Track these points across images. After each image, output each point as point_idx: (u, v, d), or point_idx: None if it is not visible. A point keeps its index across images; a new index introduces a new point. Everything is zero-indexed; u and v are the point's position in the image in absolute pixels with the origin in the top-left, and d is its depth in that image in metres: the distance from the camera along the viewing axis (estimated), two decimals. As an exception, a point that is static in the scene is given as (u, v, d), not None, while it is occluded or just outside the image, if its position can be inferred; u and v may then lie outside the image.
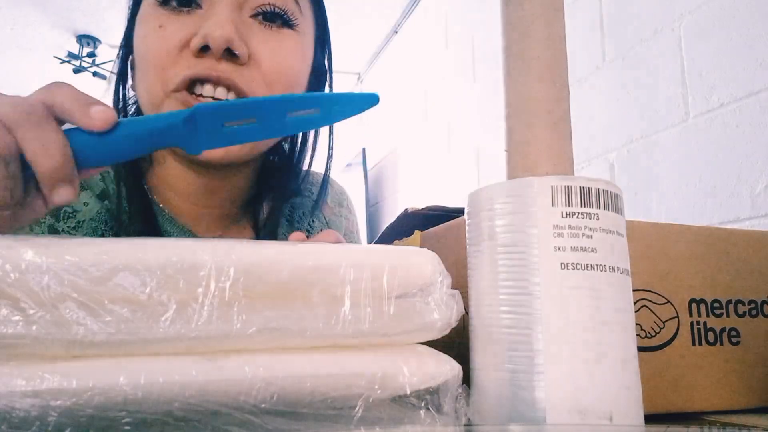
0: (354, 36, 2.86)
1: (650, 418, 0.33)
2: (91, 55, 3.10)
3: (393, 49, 2.85)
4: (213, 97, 0.47)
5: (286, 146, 0.62)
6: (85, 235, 0.52)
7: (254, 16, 0.50)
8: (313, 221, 0.68)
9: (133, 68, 0.54)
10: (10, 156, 0.28)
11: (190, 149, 0.33)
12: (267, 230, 0.59)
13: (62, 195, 0.29)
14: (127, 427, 0.24)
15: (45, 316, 0.24)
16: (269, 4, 0.50)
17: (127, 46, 0.56)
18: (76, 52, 3.11)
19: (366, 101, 0.36)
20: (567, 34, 0.34)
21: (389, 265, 0.30)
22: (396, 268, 0.30)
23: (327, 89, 0.62)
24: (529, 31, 0.33)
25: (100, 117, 0.29)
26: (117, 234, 0.53)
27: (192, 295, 0.26)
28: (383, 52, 2.95)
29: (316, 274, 0.28)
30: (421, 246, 0.44)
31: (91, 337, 0.24)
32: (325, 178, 0.66)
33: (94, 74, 3.18)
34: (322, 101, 0.36)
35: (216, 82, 0.47)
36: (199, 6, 0.49)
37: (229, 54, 0.47)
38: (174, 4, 0.49)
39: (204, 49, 0.46)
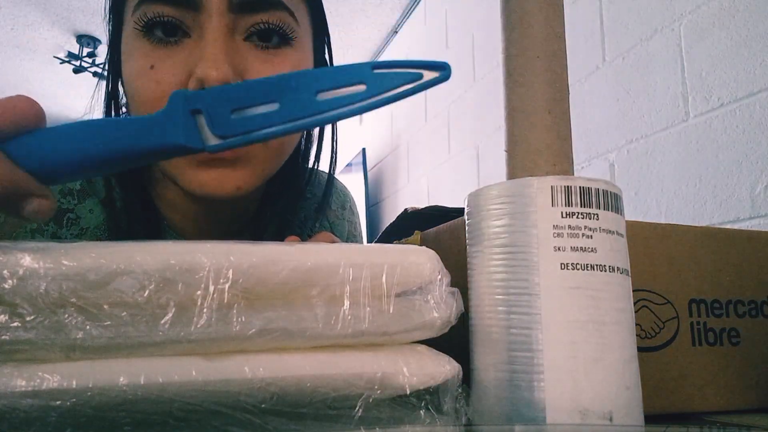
0: (354, 36, 2.86)
1: (650, 418, 0.33)
2: (91, 55, 3.10)
3: (393, 49, 2.84)
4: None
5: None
6: None
7: (248, 37, 0.46)
8: (315, 225, 0.66)
9: (124, 88, 0.51)
10: None
11: (191, 146, 0.26)
12: (272, 239, 0.58)
13: (31, 210, 0.27)
14: (127, 427, 0.24)
15: (43, 322, 0.24)
16: (263, 22, 0.46)
17: (113, 68, 0.52)
18: (76, 52, 3.11)
19: (433, 71, 0.26)
20: (567, 34, 0.34)
21: (388, 264, 0.30)
22: (395, 267, 0.30)
23: None
24: (529, 31, 0.33)
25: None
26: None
27: (191, 297, 0.26)
28: (383, 52, 2.95)
29: (315, 274, 0.28)
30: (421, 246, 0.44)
31: (91, 342, 0.24)
32: (330, 181, 0.64)
33: (94, 74, 3.18)
34: (367, 74, 0.26)
35: None
36: (187, 35, 0.45)
37: None
38: (159, 35, 0.45)
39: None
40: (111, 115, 0.54)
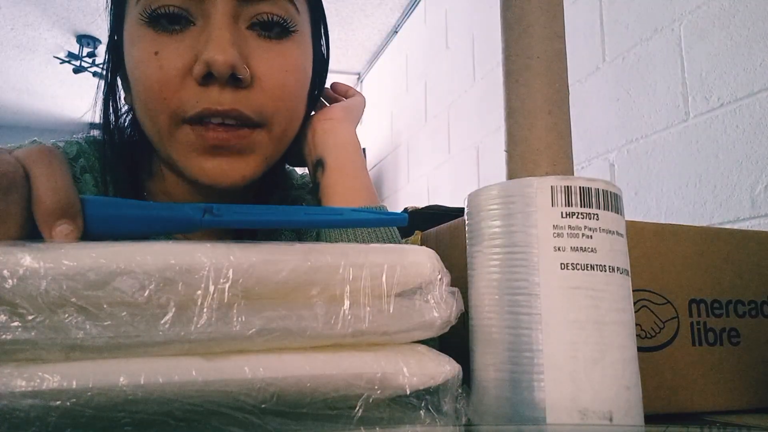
0: (354, 36, 2.86)
1: (650, 418, 0.33)
2: (91, 55, 3.10)
3: (393, 49, 2.85)
4: (222, 122, 0.45)
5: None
6: None
7: (251, 26, 0.47)
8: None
9: (124, 81, 0.52)
10: (15, 181, 0.28)
11: (192, 216, 0.31)
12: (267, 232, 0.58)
13: (62, 232, 0.28)
14: (127, 428, 0.24)
15: (44, 322, 0.24)
16: (266, 13, 0.47)
17: (113, 59, 0.53)
18: (76, 52, 3.11)
19: (391, 222, 0.35)
20: (567, 34, 0.34)
21: (388, 263, 0.30)
22: (395, 267, 0.30)
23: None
24: (529, 31, 0.33)
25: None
26: None
27: (191, 297, 0.26)
28: (383, 52, 2.95)
29: (315, 273, 0.28)
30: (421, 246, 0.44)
31: (91, 342, 0.24)
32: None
33: (94, 74, 3.18)
34: (346, 224, 0.36)
35: (224, 116, 0.45)
36: (192, 22, 0.46)
37: (233, 79, 0.45)
38: (165, 23, 0.45)
39: (207, 76, 0.44)
40: (109, 106, 0.54)
